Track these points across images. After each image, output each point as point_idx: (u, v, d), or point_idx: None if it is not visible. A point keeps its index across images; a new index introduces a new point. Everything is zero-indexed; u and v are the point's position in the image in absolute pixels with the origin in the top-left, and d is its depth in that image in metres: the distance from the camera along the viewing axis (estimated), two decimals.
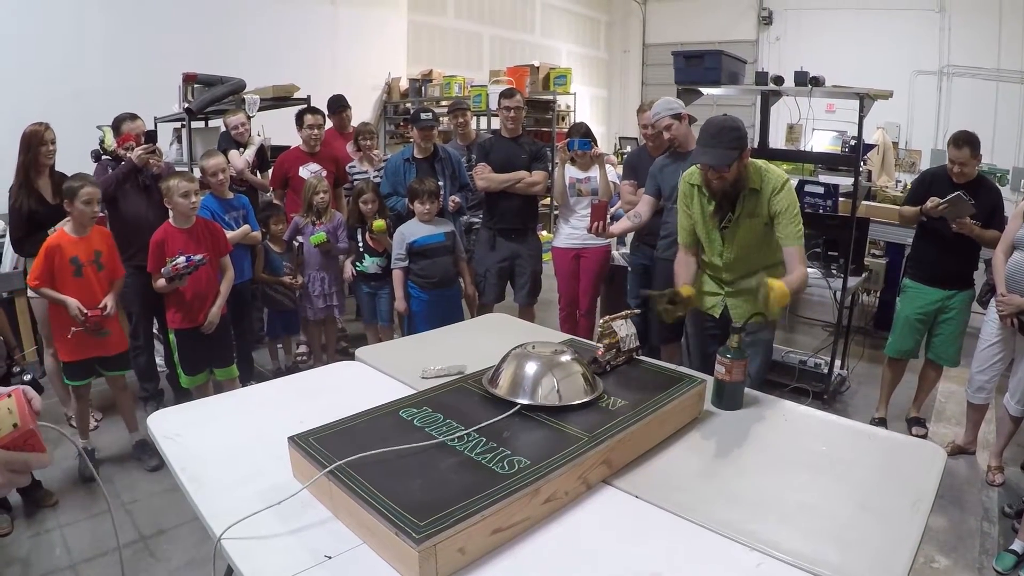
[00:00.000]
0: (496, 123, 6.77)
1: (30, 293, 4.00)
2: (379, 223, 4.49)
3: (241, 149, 5.10)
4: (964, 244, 3.94)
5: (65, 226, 3.53)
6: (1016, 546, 3.10)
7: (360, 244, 4.66)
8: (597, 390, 1.92)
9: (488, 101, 8.13)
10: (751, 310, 2.96)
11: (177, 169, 4.35)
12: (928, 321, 4.15)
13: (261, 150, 5.42)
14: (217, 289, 3.87)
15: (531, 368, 1.88)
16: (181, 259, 3.57)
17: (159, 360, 4.65)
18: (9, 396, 1.04)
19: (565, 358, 1.94)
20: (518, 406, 1.81)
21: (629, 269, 4.81)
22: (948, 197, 3.78)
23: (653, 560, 1.41)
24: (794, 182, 3.50)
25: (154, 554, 3.04)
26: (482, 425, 1.72)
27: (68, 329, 3.46)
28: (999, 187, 4.09)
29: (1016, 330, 3.65)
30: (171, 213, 3.75)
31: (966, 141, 3.83)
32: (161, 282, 3.64)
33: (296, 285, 4.75)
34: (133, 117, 4.23)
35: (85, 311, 3.43)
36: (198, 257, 3.61)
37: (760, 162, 2.91)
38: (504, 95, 4.81)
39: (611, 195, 4.70)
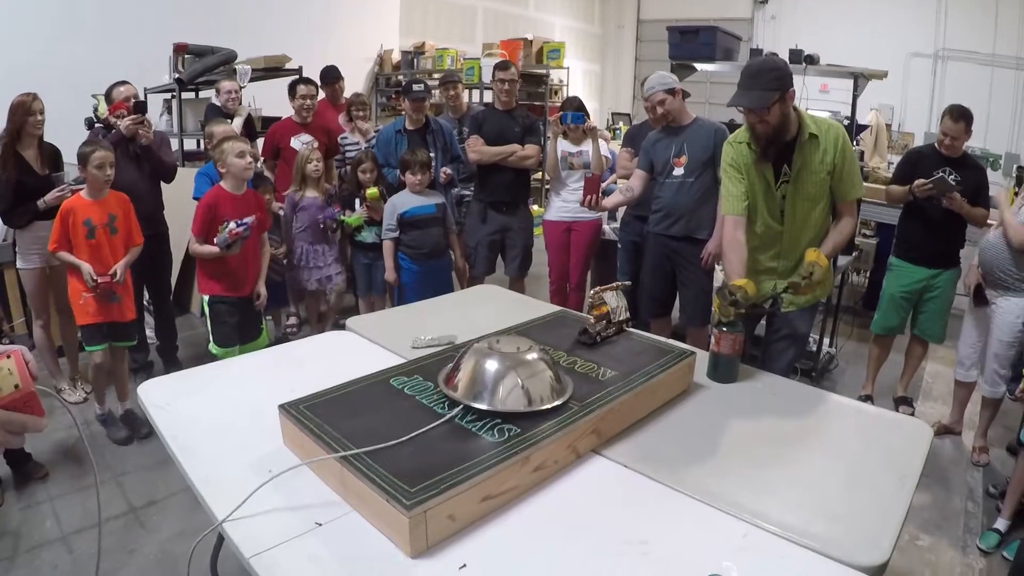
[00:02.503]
0: (488, 96, 6.73)
1: (19, 264, 3.98)
2: (372, 191, 4.46)
3: (228, 120, 5.05)
4: (950, 223, 3.97)
5: (82, 191, 3.58)
6: (999, 524, 3.14)
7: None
8: (567, 392, 1.73)
9: (481, 74, 8.09)
10: (802, 302, 2.88)
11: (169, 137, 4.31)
12: (913, 299, 4.18)
13: (249, 120, 5.36)
14: (258, 261, 3.84)
15: (492, 366, 1.67)
16: (232, 224, 3.50)
17: (149, 332, 4.64)
18: (8, 357, 1.03)
19: (532, 355, 1.72)
20: (460, 406, 1.65)
21: (619, 245, 4.81)
22: (932, 178, 3.82)
23: (641, 529, 1.42)
24: None
25: (144, 525, 3.04)
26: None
27: (80, 295, 3.51)
28: (989, 169, 4.12)
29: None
30: (224, 177, 3.66)
31: (962, 115, 3.86)
32: (206, 248, 3.56)
33: (280, 255, 4.71)
34: (123, 83, 4.19)
35: (96, 277, 3.46)
36: (250, 219, 3.56)
37: (811, 113, 2.79)
38: (499, 67, 4.78)
39: (604, 169, 4.70)
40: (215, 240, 3.53)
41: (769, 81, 2.54)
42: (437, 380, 1.78)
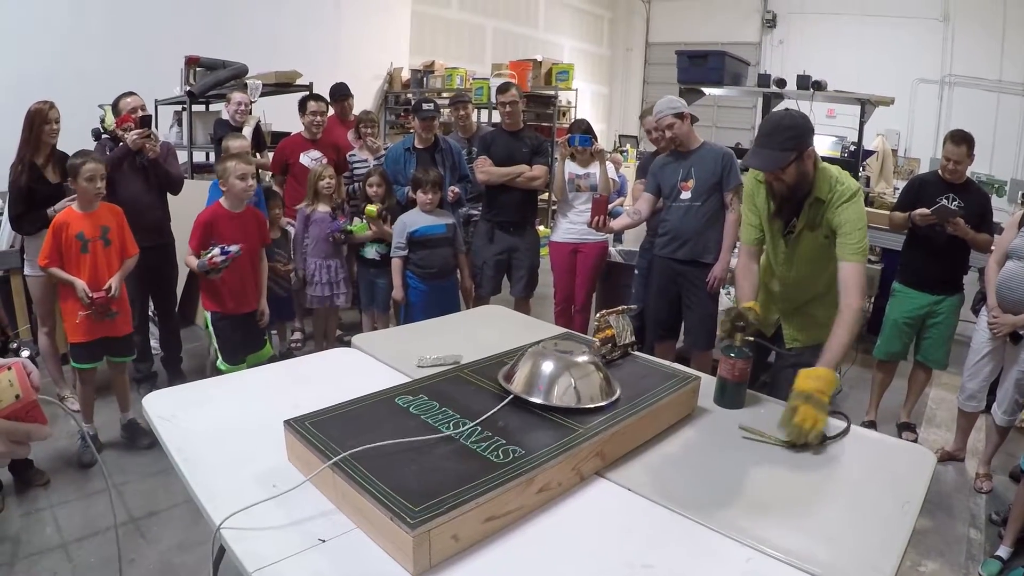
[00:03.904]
0: (498, 116, 6.78)
1: (26, 271, 4.00)
2: (370, 208, 4.48)
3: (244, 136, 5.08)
4: (953, 250, 3.97)
5: (73, 204, 3.53)
6: (1001, 552, 3.13)
7: None
8: (615, 392, 1.86)
9: (490, 94, 8.16)
10: (807, 339, 2.84)
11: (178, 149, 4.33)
12: (916, 325, 4.17)
13: (258, 129, 5.39)
14: (257, 278, 3.85)
15: (548, 367, 1.82)
16: (216, 250, 3.51)
17: (153, 342, 4.65)
18: (9, 368, 1.04)
19: (583, 358, 1.86)
20: (511, 395, 1.80)
21: (636, 271, 4.80)
22: (933, 208, 3.84)
23: (644, 553, 1.42)
24: None
25: (145, 536, 3.04)
26: (483, 415, 1.72)
27: (76, 313, 3.45)
28: (993, 195, 4.12)
29: (1007, 341, 3.67)
30: (224, 195, 3.70)
31: (963, 138, 3.87)
32: (196, 264, 3.59)
33: (288, 271, 4.73)
34: (130, 94, 4.23)
35: (91, 294, 3.41)
36: (234, 248, 3.55)
37: (835, 170, 2.57)
38: (499, 90, 4.82)
39: (611, 191, 4.71)
40: (196, 263, 3.55)
41: (785, 140, 2.40)
42: (496, 378, 1.92)
